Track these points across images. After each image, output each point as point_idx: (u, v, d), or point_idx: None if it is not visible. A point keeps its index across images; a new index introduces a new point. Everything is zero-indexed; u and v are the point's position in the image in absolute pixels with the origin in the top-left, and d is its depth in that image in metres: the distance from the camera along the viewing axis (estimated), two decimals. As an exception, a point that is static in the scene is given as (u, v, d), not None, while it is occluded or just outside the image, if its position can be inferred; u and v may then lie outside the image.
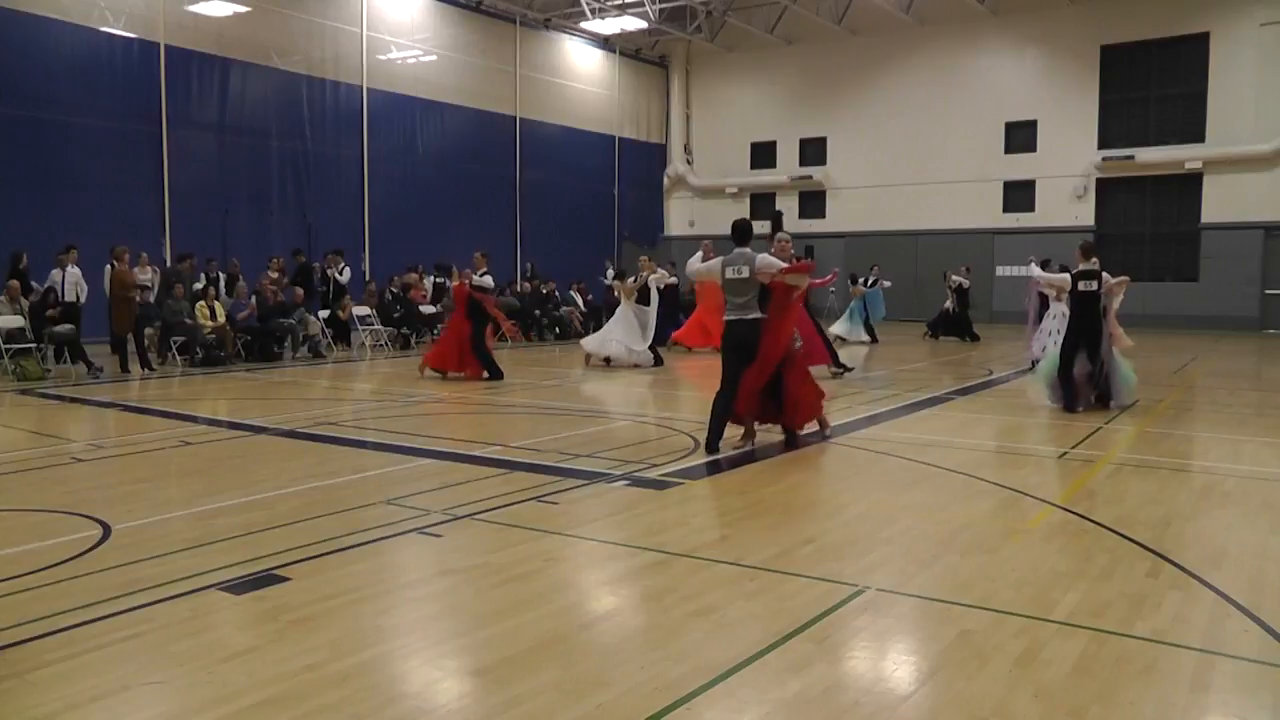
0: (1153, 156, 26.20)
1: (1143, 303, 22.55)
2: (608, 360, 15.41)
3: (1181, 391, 12.64)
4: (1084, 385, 10.45)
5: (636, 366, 15.21)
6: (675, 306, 19.36)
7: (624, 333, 15.53)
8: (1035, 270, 11.74)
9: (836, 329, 20.07)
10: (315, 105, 22.23)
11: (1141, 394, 11.60)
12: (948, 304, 21.84)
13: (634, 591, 4.65)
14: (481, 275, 13.77)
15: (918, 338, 21.91)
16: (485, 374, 13.56)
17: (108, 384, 13.12)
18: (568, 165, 29.33)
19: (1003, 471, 7.50)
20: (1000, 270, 27.82)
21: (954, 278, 21.70)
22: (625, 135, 32.00)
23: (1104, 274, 10.54)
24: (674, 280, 19.02)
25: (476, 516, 5.89)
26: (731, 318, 8.15)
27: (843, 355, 15.01)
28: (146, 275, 16.49)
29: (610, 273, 21.51)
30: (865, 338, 20.56)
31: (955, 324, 21.77)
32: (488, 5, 26.46)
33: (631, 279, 16.80)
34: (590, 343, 16.04)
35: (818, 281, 14.24)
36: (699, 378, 14.95)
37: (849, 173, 30.61)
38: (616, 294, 16.48)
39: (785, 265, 8.25)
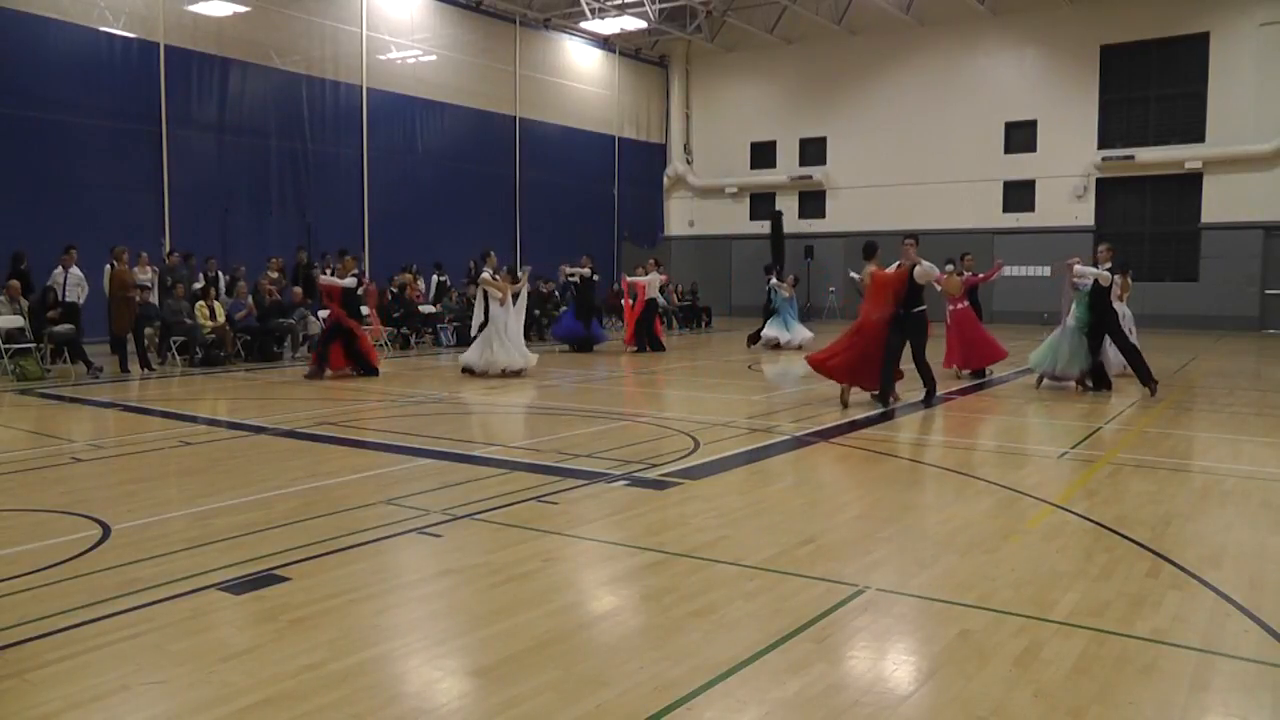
0: (1153, 156, 26.20)
1: (1143, 302, 22.56)
2: (484, 372, 13.99)
3: (1181, 391, 12.63)
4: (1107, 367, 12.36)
5: (515, 372, 14.05)
6: (591, 303, 19.19)
7: (516, 338, 14.36)
8: (1089, 269, 11.92)
9: (782, 335, 19.40)
10: (315, 105, 22.22)
11: (1141, 393, 11.84)
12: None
13: (634, 591, 4.65)
14: (347, 276, 14.00)
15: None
16: (316, 372, 13.67)
17: (107, 384, 13.12)
18: (567, 165, 29.32)
19: (1003, 471, 7.50)
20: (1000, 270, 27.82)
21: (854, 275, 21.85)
22: (625, 135, 32.00)
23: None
24: (586, 273, 18.78)
25: (476, 516, 5.89)
26: (920, 309, 10.97)
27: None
28: (146, 275, 16.49)
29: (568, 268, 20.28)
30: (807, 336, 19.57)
31: None
32: (488, 5, 26.46)
33: (519, 275, 15.08)
34: (481, 360, 14.05)
35: (981, 276, 14.36)
36: (695, 378, 14.95)
37: (849, 173, 30.61)
38: (502, 296, 14.28)
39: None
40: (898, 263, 11.19)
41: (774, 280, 20.05)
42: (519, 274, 15.34)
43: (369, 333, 14.98)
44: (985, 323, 14.93)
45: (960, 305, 13.86)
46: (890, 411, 10.57)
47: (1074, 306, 12.28)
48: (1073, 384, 12.34)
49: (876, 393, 10.98)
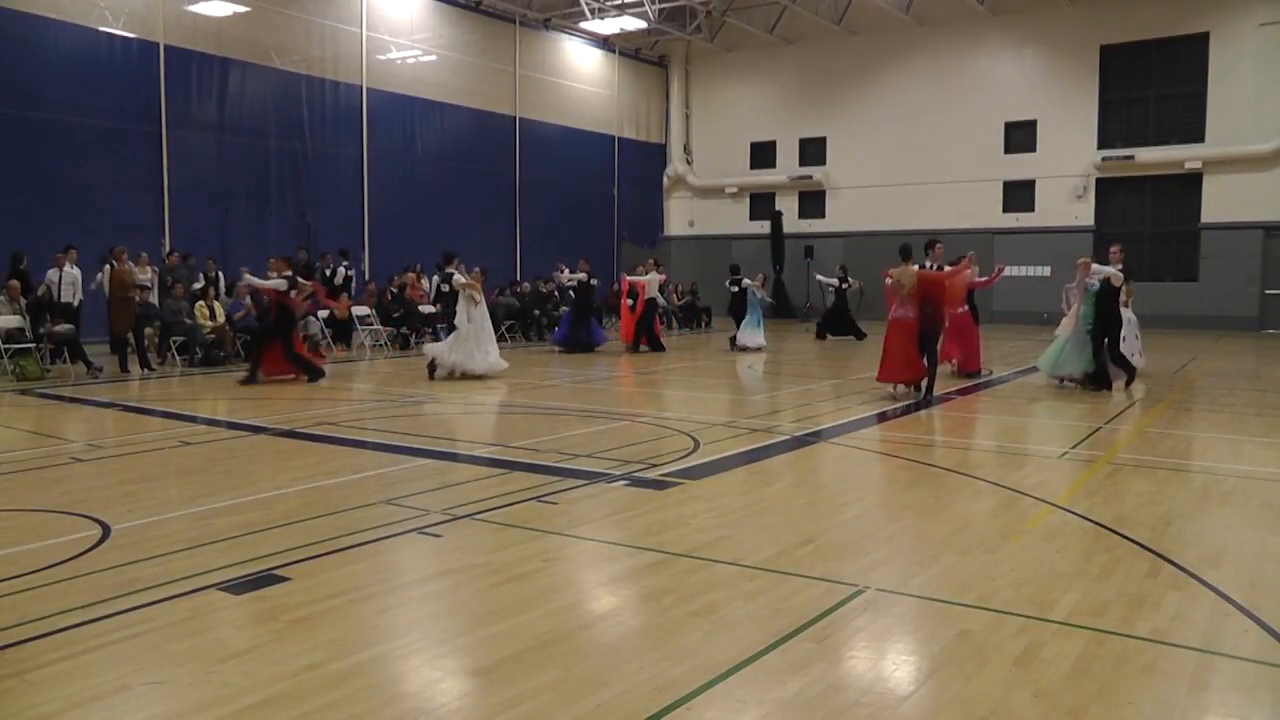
0: (1152, 156, 26.20)
1: (1142, 303, 22.57)
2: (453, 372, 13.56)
3: (1181, 391, 12.64)
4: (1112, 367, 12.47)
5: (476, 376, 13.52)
6: (590, 306, 18.86)
7: (490, 340, 13.95)
8: (1105, 267, 12.22)
9: (749, 339, 19.11)
10: (315, 105, 22.22)
11: (1142, 394, 11.88)
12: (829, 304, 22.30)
13: (634, 591, 4.65)
14: (277, 277, 13.36)
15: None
16: (304, 376, 13.11)
17: (107, 384, 13.11)
18: (567, 165, 29.33)
19: (1003, 471, 7.50)
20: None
21: (825, 279, 22.33)
22: (625, 135, 32.00)
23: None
24: (583, 277, 18.50)
25: (476, 516, 5.89)
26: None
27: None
28: (146, 275, 16.48)
29: (566, 272, 20.10)
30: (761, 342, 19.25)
31: (838, 322, 21.88)
32: (487, 5, 26.45)
33: (474, 272, 14.33)
34: (449, 361, 13.58)
35: (983, 280, 14.45)
36: (695, 378, 14.94)
37: (849, 173, 30.61)
38: (466, 291, 13.73)
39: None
40: (919, 265, 11.75)
41: (746, 280, 19.89)
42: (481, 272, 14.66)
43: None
44: (985, 323, 14.97)
45: (960, 309, 13.88)
46: (921, 403, 10.92)
47: (1082, 306, 12.40)
48: (1074, 383, 12.39)
49: (923, 383, 11.51)
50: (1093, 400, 11.61)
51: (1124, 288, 13.66)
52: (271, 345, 13.26)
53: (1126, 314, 13.60)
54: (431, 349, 14.10)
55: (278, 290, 13.30)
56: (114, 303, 14.38)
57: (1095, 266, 12.27)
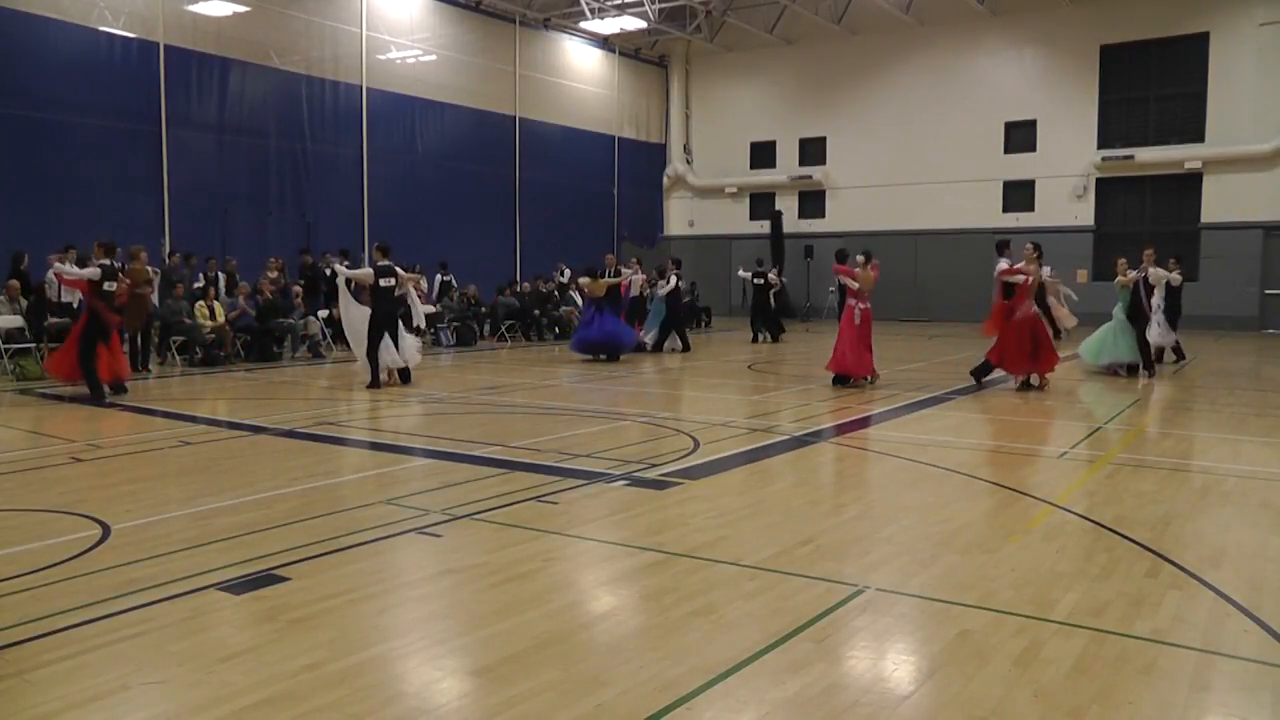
0: (1152, 156, 26.18)
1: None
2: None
3: (1181, 391, 12.64)
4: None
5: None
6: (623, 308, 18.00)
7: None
8: (1163, 271, 14.84)
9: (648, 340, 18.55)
10: (315, 105, 22.20)
11: (1141, 394, 11.89)
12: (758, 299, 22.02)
13: (633, 591, 4.65)
14: (94, 264, 11.41)
15: (923, 338, 21.86)
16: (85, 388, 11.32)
17: (107, 384, 13.08)
18: (567, 165, 29.31)
19: (1003, 471, 7.50)
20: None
21: (744, 273, 22.23)
22: (625, 135, 31.98)
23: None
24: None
25: (476, 516, 5.89)
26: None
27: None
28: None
29: (566, 272, 19.77)
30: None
31: (764, 318, 21.55)
32: (487, 5, 26.44)
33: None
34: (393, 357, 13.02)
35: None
36: (695, 378, 14.94)
37: (849, 173, 30.59)
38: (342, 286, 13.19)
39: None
40: (1012, 263, 12.76)
41: (626, 270, 19.41)
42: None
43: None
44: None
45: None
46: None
47: (1118, 303, 14.03)
48: (1123, 370, 13.86)
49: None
50: (1094, 398, 11.61)
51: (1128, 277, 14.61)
52: (67, 344, 11.38)
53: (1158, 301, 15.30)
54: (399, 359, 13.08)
55: (89, 281, 11.28)
56: (128, 299, 14.33)
57: (1153, 270, 14.36)
